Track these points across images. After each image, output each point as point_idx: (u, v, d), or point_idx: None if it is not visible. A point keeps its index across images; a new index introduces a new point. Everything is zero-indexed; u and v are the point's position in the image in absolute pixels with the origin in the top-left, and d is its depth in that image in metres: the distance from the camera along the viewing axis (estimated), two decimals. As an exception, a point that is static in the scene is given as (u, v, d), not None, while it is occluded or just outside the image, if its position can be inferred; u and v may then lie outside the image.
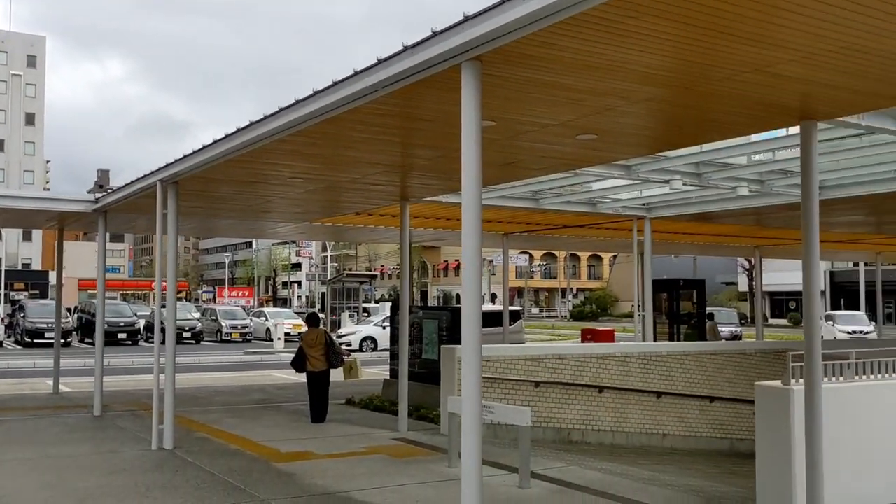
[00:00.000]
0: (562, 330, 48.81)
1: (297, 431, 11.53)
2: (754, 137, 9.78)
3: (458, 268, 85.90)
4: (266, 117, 7.63)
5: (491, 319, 22.37)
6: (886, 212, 15.32)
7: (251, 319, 39.80)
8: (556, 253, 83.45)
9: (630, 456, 11.95)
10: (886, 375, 8.42)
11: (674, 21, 4.55)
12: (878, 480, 7.92)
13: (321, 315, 24.33)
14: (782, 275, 54.65)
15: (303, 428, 11.84)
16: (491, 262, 67.49)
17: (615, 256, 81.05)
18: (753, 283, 50.00)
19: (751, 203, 13.23)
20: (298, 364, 12.61)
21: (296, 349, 13.02)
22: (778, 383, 7.67)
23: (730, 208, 13.73)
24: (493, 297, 69.19)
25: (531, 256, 79.84)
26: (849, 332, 35.23)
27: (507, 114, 6.82)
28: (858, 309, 42.69)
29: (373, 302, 56.23)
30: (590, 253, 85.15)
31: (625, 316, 63.50)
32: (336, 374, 13.00)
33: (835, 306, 56.93)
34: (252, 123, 7.95)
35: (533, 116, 6.89)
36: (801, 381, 7.20)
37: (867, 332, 33.73)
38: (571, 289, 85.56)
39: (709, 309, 39.22)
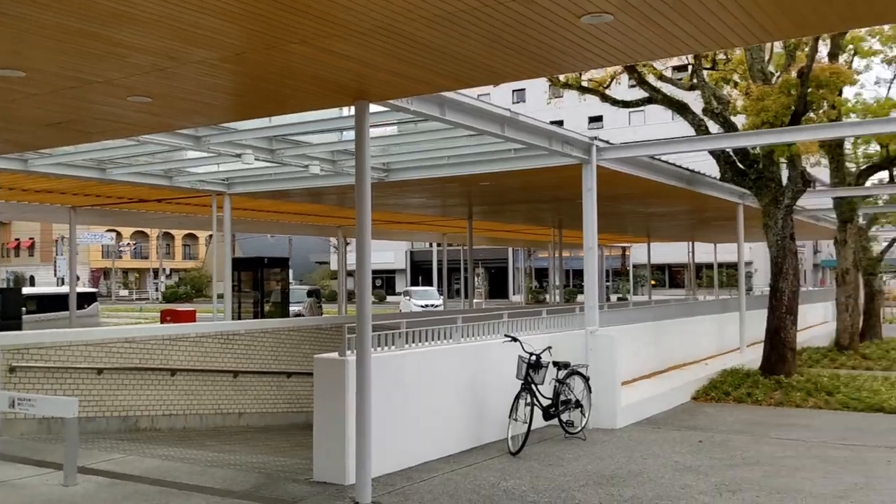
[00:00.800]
0: (150, 312, 46.26)
1: None
2: (319, 115, 9.97)
3: (32, 246, 76.84)
4: None
5: (58, 302, 20.28)
6: (446, 195, 16.95)
7: None
8: (149, 231, 78.72)
9: (201, 438, 11.59)
10: (435, 343, 9.20)
11: (204, -26, 4.26)
12: (425, 439, 8.59)
13: None
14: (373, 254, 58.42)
15: None
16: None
17: (211, 235, 79.13)
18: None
19: (323, 182, 13.54)
20: None
21: None
22: (335, 355, 7.91)
23: (305, 187, 13.94)
24: (77, 279, 63.06)
25: (119, 234, 74.31)
26: (422, 306, 38.85)
27: (41, 65, 5.95)
28: (432, 285, 47.42)
29: (-82, 286, 47.71)
30: (185, 231, 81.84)
31: (220, 296, 62.33)
32: None
33: (414, 282, 62.60)
34: None
35: (72, 70, 6.10)
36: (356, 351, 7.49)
37: (437, 306, 37.44)
38: (165, 269, 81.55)
39: (309, 287, 40.28)
